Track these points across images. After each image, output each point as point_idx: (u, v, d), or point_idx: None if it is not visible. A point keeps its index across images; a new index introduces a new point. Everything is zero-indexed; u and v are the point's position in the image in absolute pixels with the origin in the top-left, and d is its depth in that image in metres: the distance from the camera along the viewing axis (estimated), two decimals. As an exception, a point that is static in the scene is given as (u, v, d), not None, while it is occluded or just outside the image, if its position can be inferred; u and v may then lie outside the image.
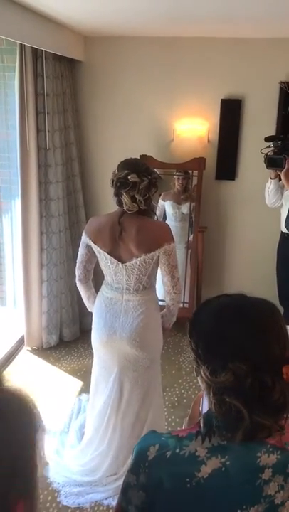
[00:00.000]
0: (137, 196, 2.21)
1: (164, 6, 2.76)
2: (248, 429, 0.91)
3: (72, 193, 4.01)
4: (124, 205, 2.24)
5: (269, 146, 3.40)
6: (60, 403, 3.19)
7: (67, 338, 4.04)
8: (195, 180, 3.97)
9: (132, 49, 3.89)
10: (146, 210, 2.30)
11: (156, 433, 1.03)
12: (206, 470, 0.91)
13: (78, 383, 3.42)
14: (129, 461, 1.01)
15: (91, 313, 2.57)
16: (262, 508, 0.89)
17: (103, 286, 2.49)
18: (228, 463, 0.92)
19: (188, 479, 0.91)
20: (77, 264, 2.50)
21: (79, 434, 2.82)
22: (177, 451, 0.95)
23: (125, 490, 0.99)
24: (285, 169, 3.36)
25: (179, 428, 1.03)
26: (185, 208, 4.10)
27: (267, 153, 3.39)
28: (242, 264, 4.26)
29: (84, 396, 3.17)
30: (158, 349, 2.49)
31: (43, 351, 3.88)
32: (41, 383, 3.44)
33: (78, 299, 4.04)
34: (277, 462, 0.91)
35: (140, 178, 2.20)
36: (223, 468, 0.91)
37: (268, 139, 3.41)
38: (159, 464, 0.95)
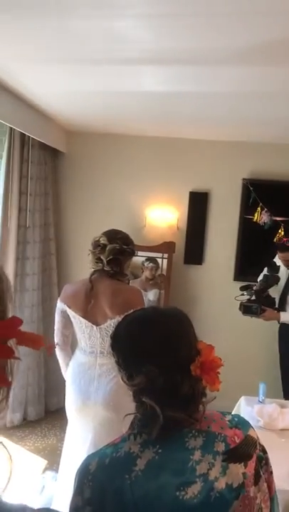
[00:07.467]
0: (102, 257, 2.39)
1: (140, 113, 3.19)
2: (162, 425, 1.00)
3: (47, 270, 4.16)
4: (89, 262, 2.43)
5: (243, 294, 3.53)
6: (24, 481, 3.05)
7: (31, 418, 3.91)
8: (165, 264, 4.20)
9: (109, 144, 4.30)
10: (117, 273, 2.43)
11: (94, 452, 1.10)
12: (141, 462, 0.99)
13: (42, 461, 3.30)
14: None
15: (57, 393, 2.56)
16: (199, 487, 0.96)
17: (76, 351, 2.53)
18: (160, 451, 1.00)
19: (127, 476, 0.98)
20: (55, 332, 2.55)
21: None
22: (114, 455, 1.02)
23: None
24: (262, 317, 3.49)
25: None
26: (152, 295, 4.25)
27: (242, 301, 3.50)
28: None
29: (48, 473, 3.06)
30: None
31: (6, 430, 3.74)
32: (3, 462, 3.29)
33: (45, 376, 4.02)
34: (204, 444, 1.01)
35: (110, 242, 2.40)
36: (157, 457, 1.00)
37: (242, 288, 3.55)
38: (100, 472, 1.01)
